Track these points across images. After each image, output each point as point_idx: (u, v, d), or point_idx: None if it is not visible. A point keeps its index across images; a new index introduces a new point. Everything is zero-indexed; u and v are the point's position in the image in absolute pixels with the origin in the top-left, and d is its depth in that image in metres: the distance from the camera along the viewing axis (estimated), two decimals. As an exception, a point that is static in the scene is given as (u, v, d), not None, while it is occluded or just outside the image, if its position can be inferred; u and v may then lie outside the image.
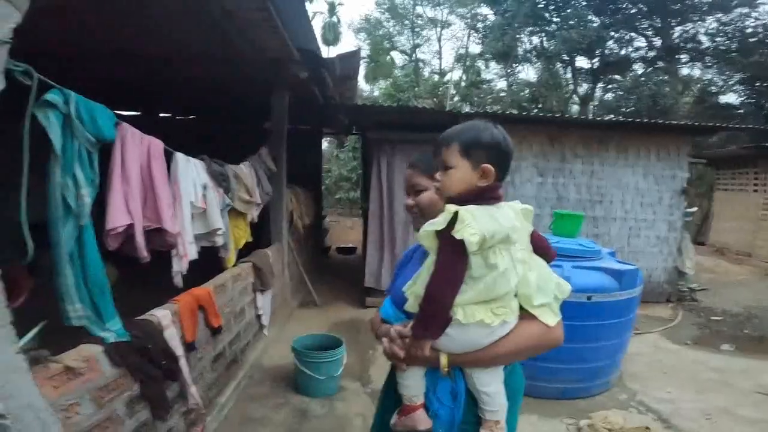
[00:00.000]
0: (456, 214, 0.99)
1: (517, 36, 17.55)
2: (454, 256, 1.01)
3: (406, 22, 24.33)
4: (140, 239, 2.09)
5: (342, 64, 4.53)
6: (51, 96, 1.58)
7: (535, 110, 14.44)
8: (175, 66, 4.23)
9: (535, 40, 18.33)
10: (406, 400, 1.22)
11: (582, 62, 17.63)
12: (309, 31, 3.76)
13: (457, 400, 1.19)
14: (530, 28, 17.48)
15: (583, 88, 18.20)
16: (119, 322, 2.00)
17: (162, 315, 2.29)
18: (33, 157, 1.46)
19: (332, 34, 24.80)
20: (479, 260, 1.01)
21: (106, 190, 1.97)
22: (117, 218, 1.93)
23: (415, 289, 1.12)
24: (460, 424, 1.19)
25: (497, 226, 1.00)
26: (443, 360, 1.13)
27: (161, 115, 7.48)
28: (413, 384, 1.21)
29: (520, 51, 18.38)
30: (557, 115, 8.43)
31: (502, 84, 20.76)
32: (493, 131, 1.09)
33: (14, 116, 1.54)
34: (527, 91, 18.34)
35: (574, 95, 18.39)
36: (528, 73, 28.54)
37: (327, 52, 20.89)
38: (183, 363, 2.32)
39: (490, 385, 1.16)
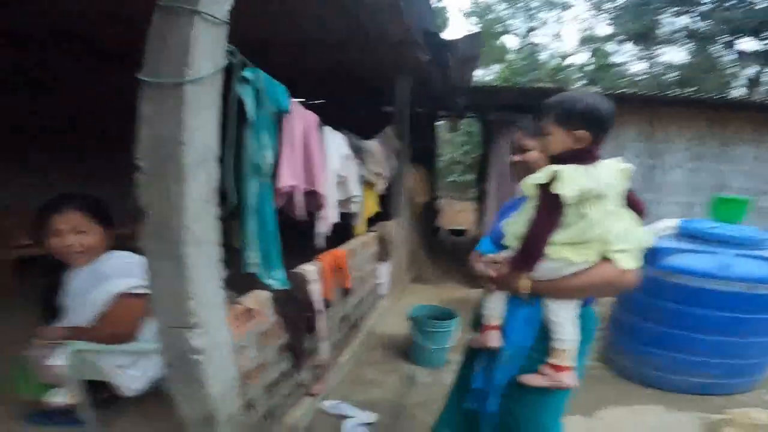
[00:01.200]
0: (555, 173, 1.17)
1: (658, 16, 15.53)
2: (551, 208, 1.20)
3: (520, 4, 22.85)
4: (300, 199, 2.42)
5: (464, 47, 4.54)
6: (247, 73, 1.88)
7: (687, 93, 12.75)
8: (308, 53, 4.48)
9: (683, 20, 16.01)
10: (485, 320, 1.43)
11: (748, 44, 14.96)
12: (429, 14, 3.81)
13: (531, 326, 1.35)
14: (676, 8, 15.29)
15: (750, 70, 15.46)
16: (283, 272, 2.31)
17: (310, 270, 2.61)
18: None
19: (440, 19, 24.36)
20: (573, 210, 1.19)
21: (278, 156, 2.30)
22: (286, 179, 2.26)
23: (513, 227, 1.34)
24: (528, 349, 1.36)
25: (592, 184, 1.16)
26: (526, 285, 1.30)
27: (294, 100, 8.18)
28: (495, 306, 1.41)
29: (661, 32, 16.25)
30: (723, 97, 7.36)
31: (639, 66, 18.67)
32: (587, 101, 1.23)
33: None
34: (675, 73, 16.27)
35: (736, 78, 15.79)
36: (672, 55, 25.01)
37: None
38: (321, 318, 2.60)
39: (562, 316, 1.32)
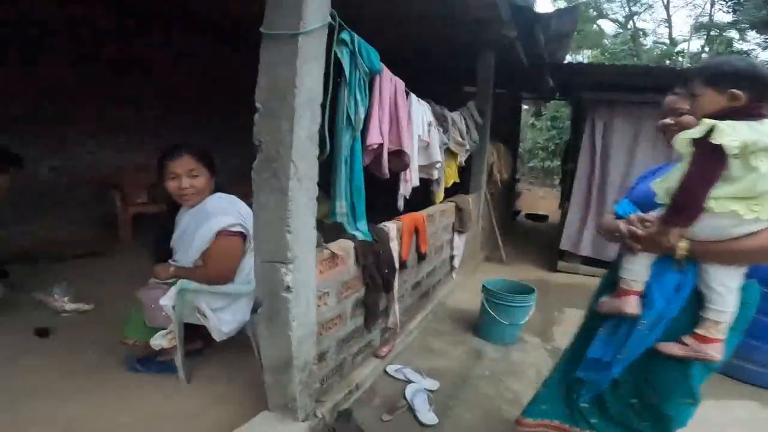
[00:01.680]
0: (713, 125, 1.10)
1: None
2: (711, 157, 1.11)
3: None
4: (386, 157, 2.58)
5: (557, 21, 4.32)
6: (344, 35, 2.03)
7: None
8: (390, 27, 4.44)
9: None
10: (624, 284, 1.32)
11: None
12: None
13: (679, 294, 1.25)
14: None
15: None
16: (366, 224, 2.44)
17: (391, 227, 2.71)
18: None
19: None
20: (739, 163, 1.09)
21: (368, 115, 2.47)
22: (374, 137, 2.42)
23: (666, 183, 1.23)
24: (670, 320, 1.26)
25: (758, 136, 1.07)
26: (683, 245, 1.20)
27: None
28: (638, 269, 1.30)
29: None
30: None
31: (764, 55, 16.35)
32: (737, 62, 1.18)
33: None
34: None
35: None
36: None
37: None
38: (395, 278, 2.66)
39: (725, 284, 1.21)
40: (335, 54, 1.98)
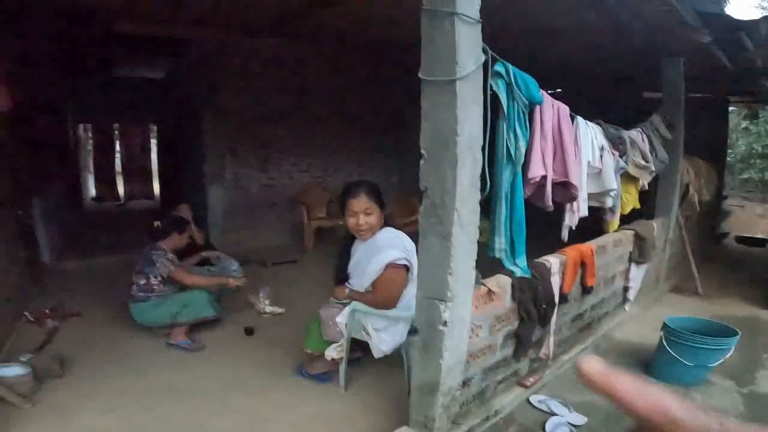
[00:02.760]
0: None
1: None
2: None
3: None
4: (549, 189, 2.45)
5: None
6: (498, 67, 2.01)
7: None
8: (549, 41, 4.17)
9: None
10: None
11: None
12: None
13: None
14: None
15: None
16: (525, 260, 2.38)
17: (554, 262, 2.58)
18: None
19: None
20: None
21: (529, 146, 2.39)
22: (536, 169, 2.33)
23: None
24: None
25: None
26: None
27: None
28: None
29: None
30: None
31: None
32: None
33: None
34: None
35: None
36: None
37: None
38: (553, 312, 2.54)
39: None
40: (491, 87, 1.98)
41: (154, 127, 9.32)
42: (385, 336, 2.34)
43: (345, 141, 6.07)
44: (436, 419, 1.89)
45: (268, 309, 3.54)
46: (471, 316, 1.93)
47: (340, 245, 2.66)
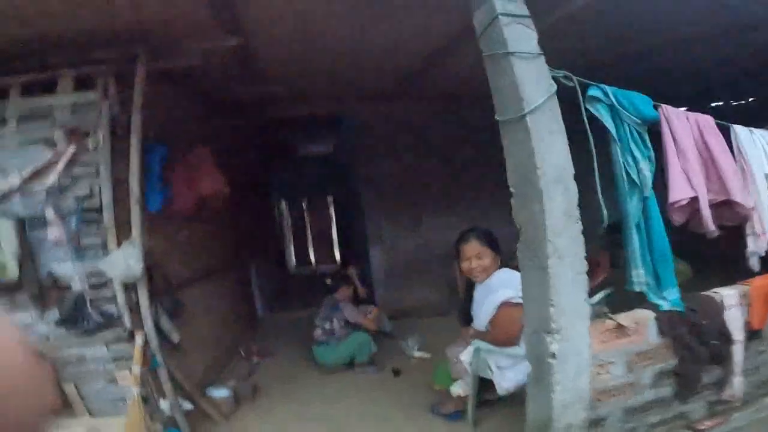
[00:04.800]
0: None
1: None
2: None
3: None
4: (706, 212, 2.09)
5: None
6: (593, 91, 1.91)
7: None
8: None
9: None
10: None
11: None
12: None
13: None
14: None
15: None
16: (677, 292, 2.08)
17: (726, 294, 2.17)
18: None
19: None
20: None
21: (665, 167, 2.13)
22: (678, 192, 2.04)
23: None
24: None
25: None
26: None
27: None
28: None
29: None
30: None
31: None
32: None
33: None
34: None
35: None
36: None
37: None
38: (738, 349, 2.11)
39: None
40: (587, 112, 1.92)
41: (333, 199, 10.99)
42: (508, 374, 2.31)
43: (488, 193, 6.07)
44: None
45: (416, 354, 3.76)
46: (591, 351, 1.78)
47: (466, 290, 2.74)
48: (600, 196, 1.88)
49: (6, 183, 2.30)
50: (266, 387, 3.46)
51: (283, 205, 11.05)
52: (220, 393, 3.06)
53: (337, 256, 10.69)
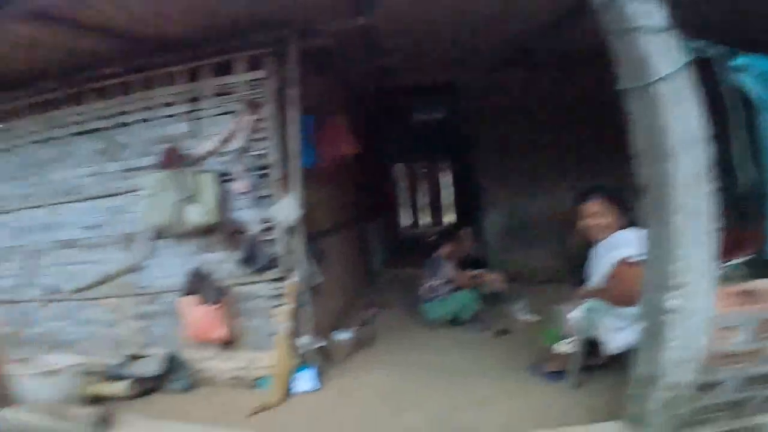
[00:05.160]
0: None
1: None
2: None
3: None
4: None
5: None
6: (739, 61, 1.84)
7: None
8: None
9: None
10: None
11: None
12: None
13: None
14: None
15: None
16: None
17: None
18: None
19: None
20: None
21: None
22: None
23: None
24: None
25: None
26: None
27: None
28: None
29: None
30: None
31: None
32: None
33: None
34: None
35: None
36: None
37: None
38: None
39: None
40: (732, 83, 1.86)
41: (447, 164, 11.15)
42: (618, 335, 2.35)
43: (608, 157, 5.68)
44: (651, 413, 1.82)
45: (525, 317, 3.90)
46: (713, 312, 1.78)
47: (581, 249, 2.79)
48: (742, 160, 1.85)
49: (206, 146, 3.02)
50: (381, 335, 3.86)
51: (398, 168, 11.55)
52: (344, 336, 3.55)
53: (450, 218, 10.98)
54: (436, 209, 11.52)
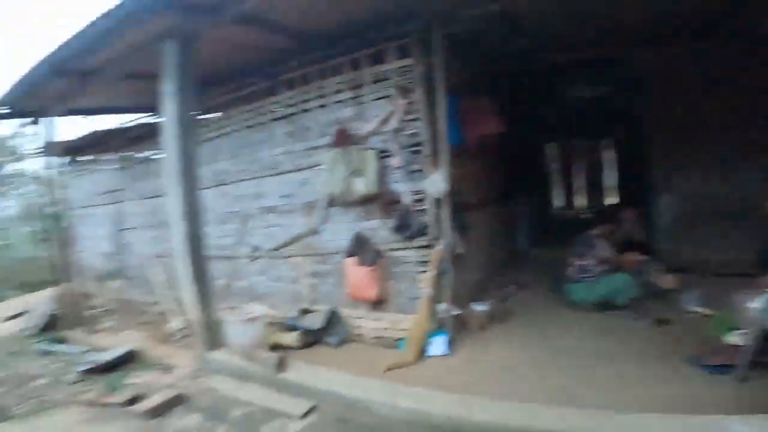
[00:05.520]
0: None
1: None
2: None
3: None
4: None
5: None
6: None
7: None
8: None
9: None
10: None
11: None
12: None
13: None
14: None
15: None
16: None
17: None
18: None
19: None
20: None
21: None
22: None
23: None
24: None
25: None
26: None
27: None
28: None
29: None
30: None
31: None
32: None
33: None
34: None
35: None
36: None
37: None
38: None
39: None
40: None
41: (606, 143, 10.02)
42: None
43: None
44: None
45: (692, 309, 3.46)
46: None
47: None
48: None
49: (368, 127, 3.50)
50: (517, 313, 3.87)
51: (552, 147, 10.88)
52: (480, 308, 3.68)
53: (611, 200, 9.99)
54: (596, 190, 10.51)
